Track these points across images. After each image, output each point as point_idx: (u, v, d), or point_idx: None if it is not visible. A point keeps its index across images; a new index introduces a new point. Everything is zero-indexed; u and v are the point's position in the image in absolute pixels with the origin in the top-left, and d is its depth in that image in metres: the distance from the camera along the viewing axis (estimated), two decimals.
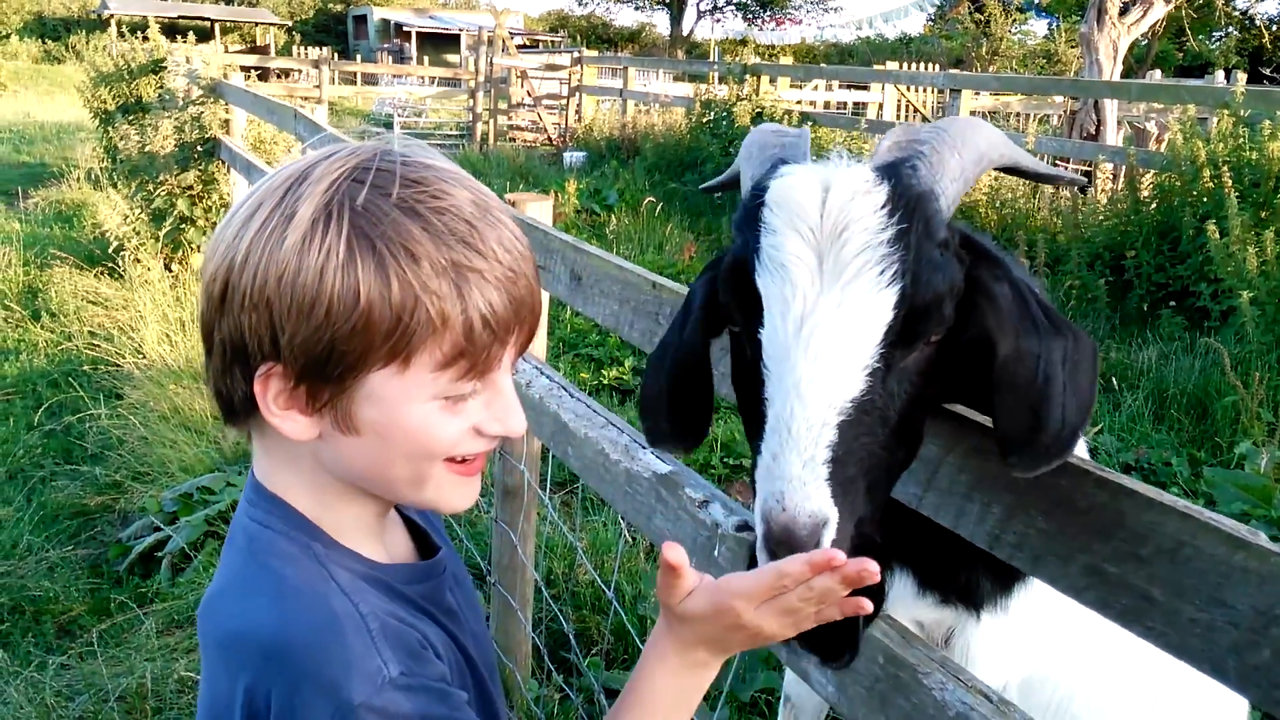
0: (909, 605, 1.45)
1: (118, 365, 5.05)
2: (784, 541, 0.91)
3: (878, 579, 0.87)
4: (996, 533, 1.08)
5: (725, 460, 4.29)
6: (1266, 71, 22.94)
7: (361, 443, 0.87)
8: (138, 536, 3.56)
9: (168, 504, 3.62)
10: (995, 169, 1.17)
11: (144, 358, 5.11)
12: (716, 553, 1.55)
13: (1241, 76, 18.07)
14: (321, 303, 0.79)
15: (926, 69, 20.58)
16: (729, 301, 1.08)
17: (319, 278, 0.79)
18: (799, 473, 0.94)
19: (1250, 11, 23.75)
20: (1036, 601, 1.38)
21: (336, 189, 0.82)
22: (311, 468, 0.91)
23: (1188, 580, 0.88)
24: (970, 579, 1.38)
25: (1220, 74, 19.23)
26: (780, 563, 0.89)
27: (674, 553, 0.92)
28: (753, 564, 0.97)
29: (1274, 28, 25.56)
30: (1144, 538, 0.92)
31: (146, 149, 6.83)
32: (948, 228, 1.04)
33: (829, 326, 0.97)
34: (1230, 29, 26.31)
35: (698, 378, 1.21)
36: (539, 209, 2.44)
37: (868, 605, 0.90)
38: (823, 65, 24.01)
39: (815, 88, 17.12)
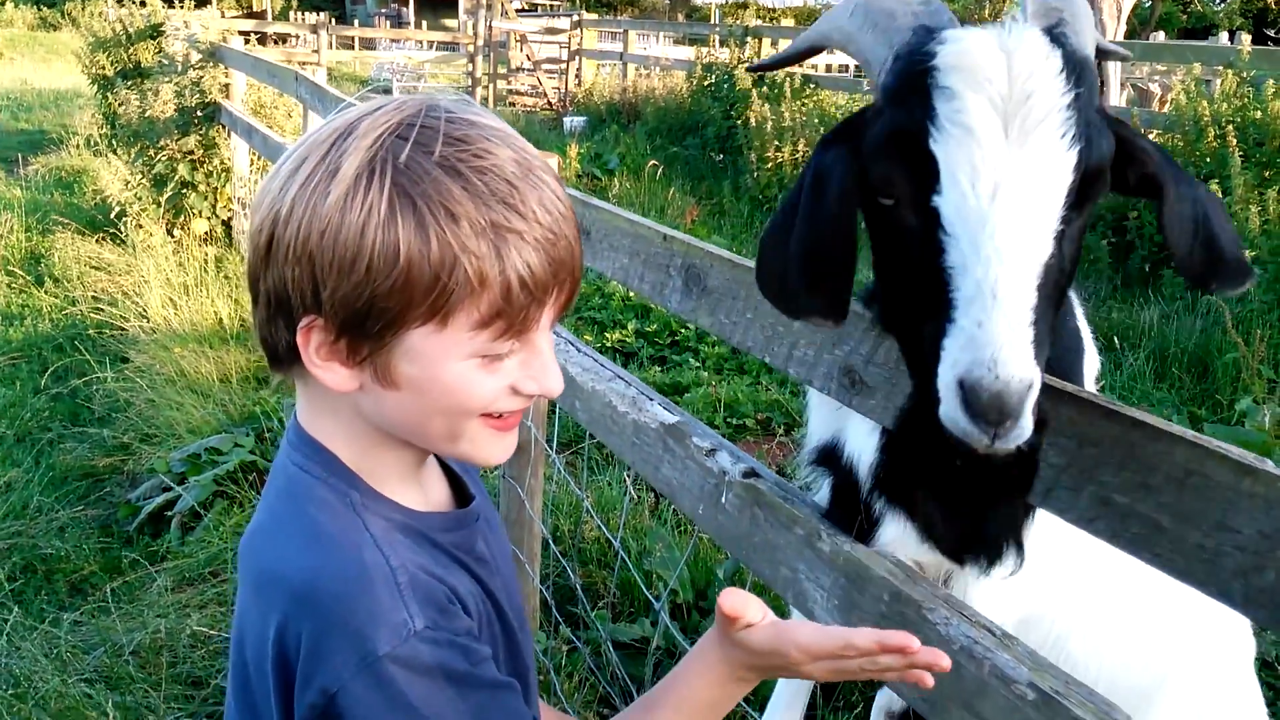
0: (914, 549, 1.47)
1: (122, 329, 5.06)
2: (995, 407, 0.92)
3: (948, 669, 0.88)
4: None
5: (729, 420, 4.32)
6: (1271, 33, 22.77)
7: (400, 397, 0.88)
8: (147, 497, 3.59)
9: (176, 465, 3.65)
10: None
11: (148, 322, 5.13)
12: (724, 500, 1.58)
13: (1246, 38, 17.95)
14: (362, 259, 0.80)
15: None
16: (888, 173, 1.06)
17: (360, 234, 0.80)
18: (1010, 337, 0.93)
19: None
20: (1034, 545, 1.40)
21: (380, 145, 0.82)
22: (351, 417, 0.92)
23: (1195, 506, 0.90)
24: (974, 533, 1.40)
25: (1224, 35, 19.12)
26: (851, 634, 0.90)
27: (731, 601, 0.93)
28: (936, 440, 0.99)
29: None
30: (1153, 467, 0.94)
31: (147, 114, 6.80)
32: None
33: (1025, 189, 0.97)
34: None
35: (842, 250, 1.14)
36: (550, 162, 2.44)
37: (929, 680, 0.89)
38: None
39: None
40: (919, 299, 1.03)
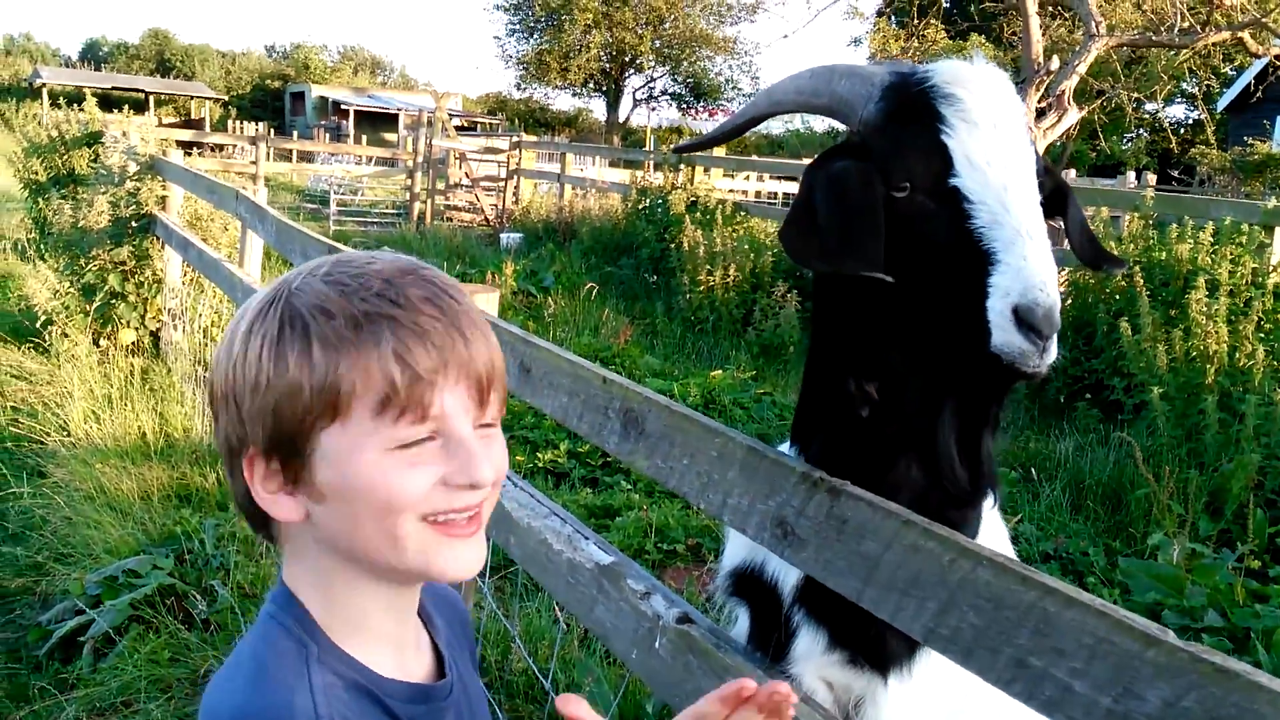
0: (817, 663, 1.52)
1: (41, 442, 4.94)
2: (1049, 321, 1.18)
3: (787, 694, 0.95)
4: (931, 626, 1.14)
5: (660, 545, 4.33)
6: (1175, 173, 24.08)
7: (330, 509, 0.90)
8: (59, 620, 3.47)
9: (91, 587, 3.54)
10: None
11: (69, 435, 5.01)
12: (657, 644, 1.60)
13: (1151, 176, 18.89)
14: (262, 375, 0.87)
15: None
16: (906, 165, 1.30)
17: (259, 355, 0.88)
18: (1050, 267, 1.21)
19: (1158, 115, 25.01)
20: (941, 668, 1.45)
21: (282, 281, 0.92)
22: (315, 556, 0.95)
23: (1105, 674, 0.95)
24: (878, 638, 1.46)
25: (1132, 174, 20.20)
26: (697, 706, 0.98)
27: (570, 706, 0.94)
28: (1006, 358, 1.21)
29: (1180, 130, 26.95)
30: (1065, 633, 0.99)
31: (80, 224, 6.76)
32: None
33: (1021, 164, 1.27)
34: (1141, 130, 27.66)
35: (873, 219, 1.32)
36: (486, 300, 2.50)
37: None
38: (754, 157, 24.64)
39: (747, 178, 17.57)
40: (940, 269, 1.27)
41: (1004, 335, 1.18)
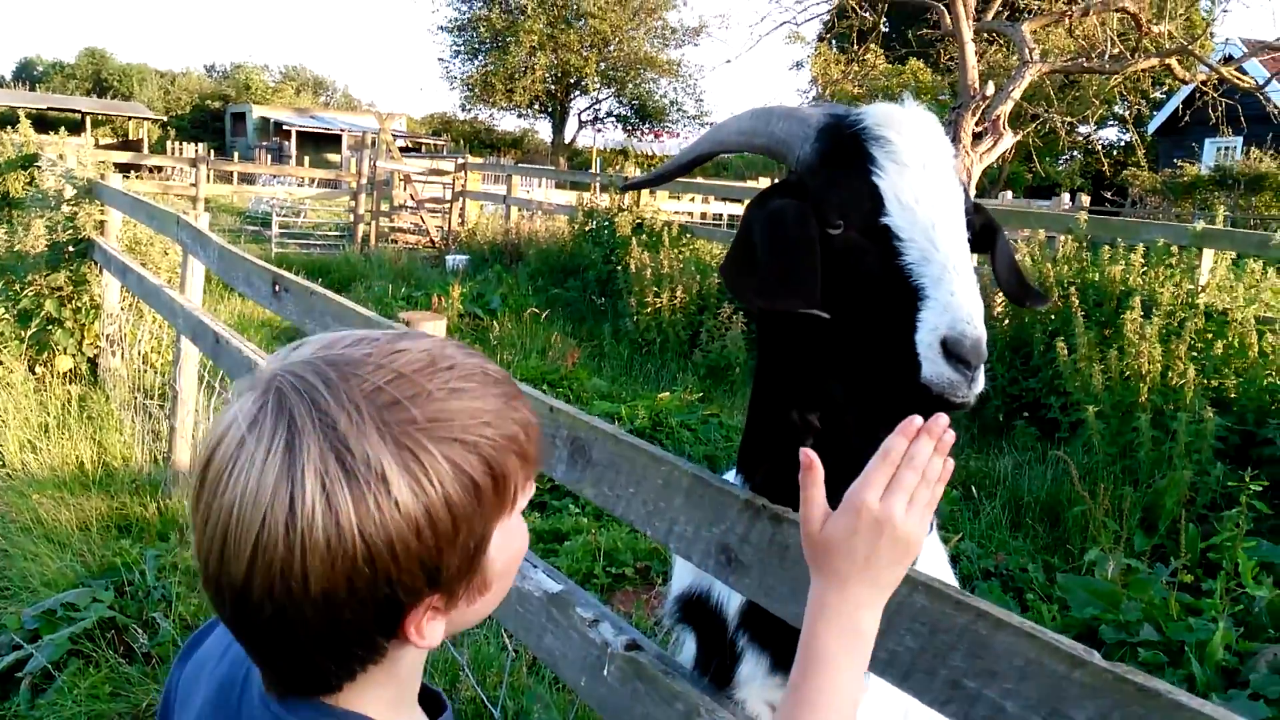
0: (761, 685, 1.56)
1: None
2: (977, 352, 1.23)
3: (953, 436, 1.06)
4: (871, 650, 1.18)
5: (608, 569, 4.34)
6: (1108, 194, 24.69)
7: (490, 595, 0.88)
8: None
9: (29, 621, 3.46)
10: None
11: (4, 465, 4.90)
12: (606, 672, 1.62)
13: (1085, 198, 19.27)
14: (460, 519, 0.80)
15: None
16: (840, 203, 1.35)
17: (446, 504, 0.79)
18: (975, 300, 1.26)
19: (1091, 138, 25.64)
20: (883, 691, 1.49)
21: (388, 425, 0.78)
22: (407, 661, 0.89)
23: (1034, 694, 0.99)
24: None
25: (1066, 195, 20.69)
26: (882, 446, 1.04)
27: (806, 455, 1.07)
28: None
29: (1113, 153, 27.65)
30: (998, 655, 1.03)
31: (15, 248, 6.64)
32: None
33: (948, 203, 1.32)
34: (1075, 153, 28.34)
35: (809, 256, 1.38)
36: (433, 327, 2.51)
37: (951, 464, 1.06)
38: (700, 179, 24.86)
39: (693, 199, 17.71)
40: (873, 304, 1.32)
41: (933, 367, 1.23)
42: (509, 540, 0.88)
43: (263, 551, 0.75)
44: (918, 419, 1.05)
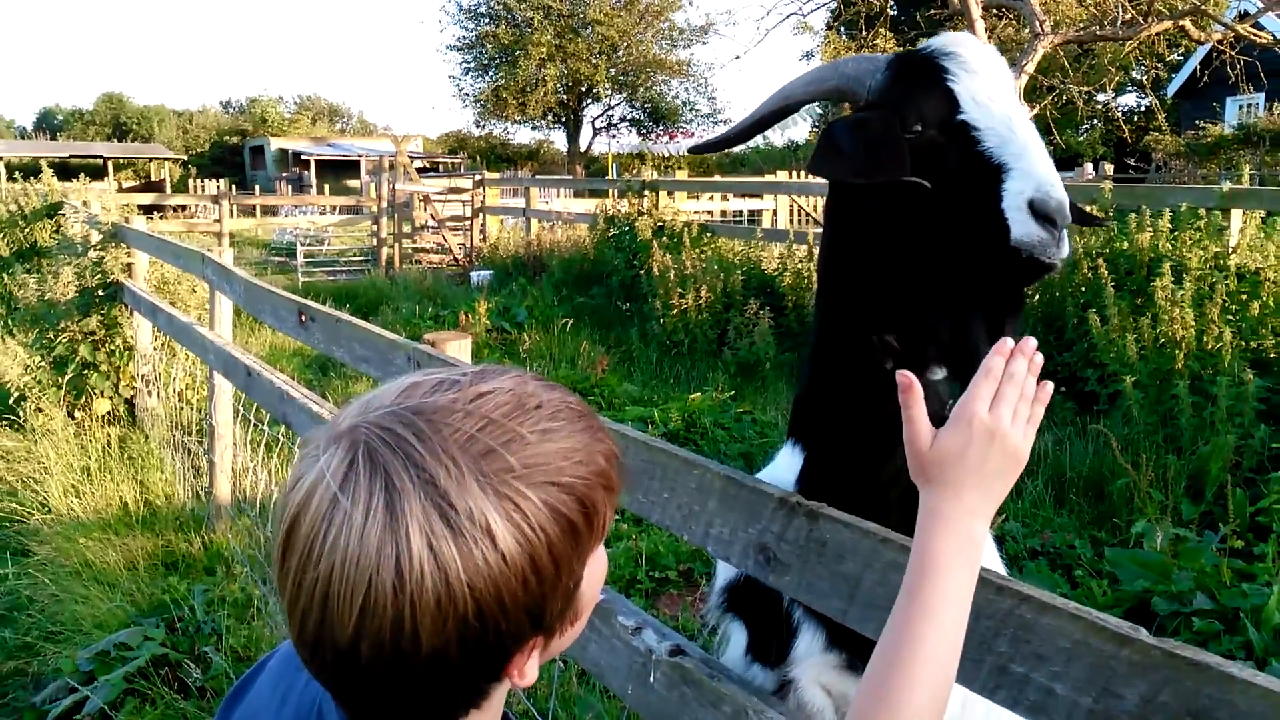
0: (817, 663, 1.55)
1: (23, 521, 4.90)
2: (1062, 212, 1.30)
3: (1042, 359, 1.10)
4: None
5: (651, 574, 4.34)
6: (1131, 161, 24.39)
7: (580, 623, 0.89)
8: (53, 700, 3.43)
9: (83, 663, 3.51)
10: None
11: (50, 511, 4.97)
12: (652, 679, 1.61)
13: (1109, 166, 19.08)
14: (563, 562, 0.80)
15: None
16: (919, 107, 1.43)
17: (548, 550, 0.79)
18: (1055, 173, 1.34)
19: (1110, 105, 25.37)
20: None
21: (486, 476, 0.77)
22: (498, 705, 0.89)
23: (1083, 674, 0.98)
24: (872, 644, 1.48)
25: (1089, 165, 20.48)
26: (982, 365, 1.08)
27: (905, 376, 1.09)
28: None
29: (1134, 119, 27.33)
30: (1044, 638, 1.02)
31: (46, 297, 6.73)
32: None
33: (1015, 100, 1.42)
34: (1095, 122, 28.03)
35: (898, 140, 1.46)
36: (458, 347, 2.52)
37: (1049, 386, 1.10)
38: (717, 178, 24.80)
39: (711, 198, 17.69)
40: (958, 189, 1.38)
41: (1022, 228, 1.30)
42: (596, 568, 0.88)
43: (370, 614, 0.74)
44: (1009, 341, 1.09)
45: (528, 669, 0.83)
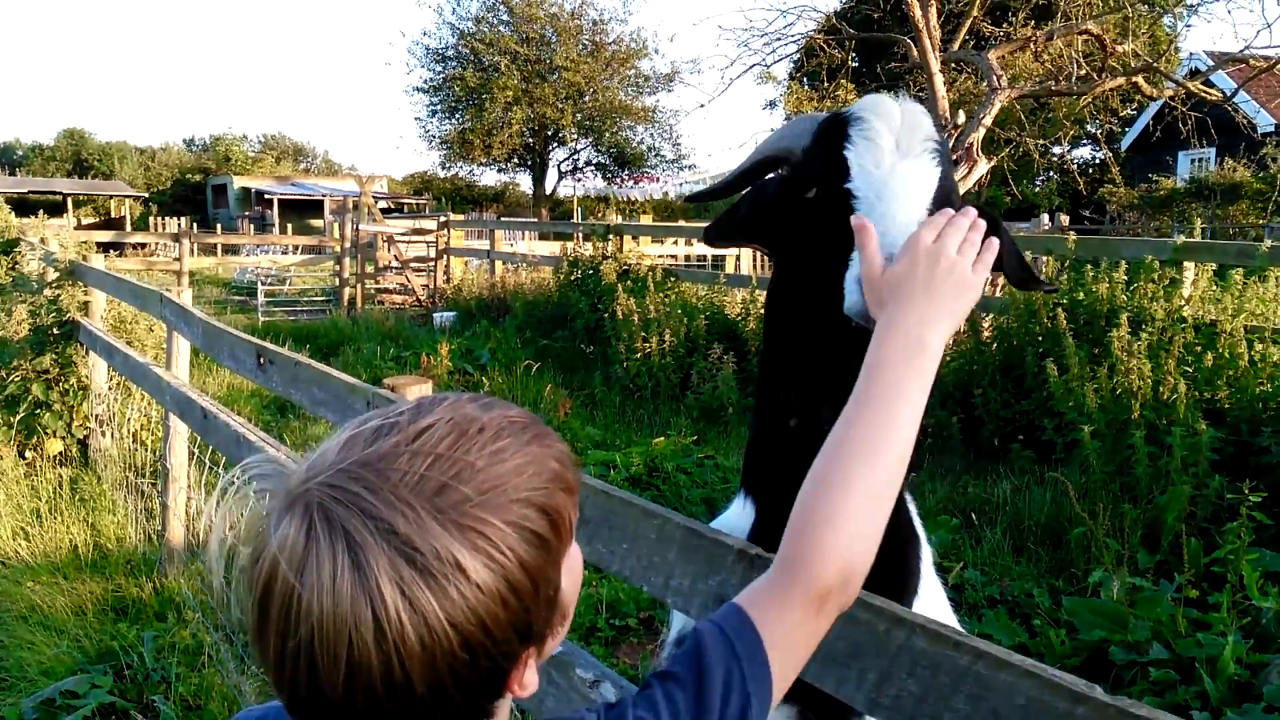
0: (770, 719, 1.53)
1: None
2: None
3: (983, 225, 1.22)
4: (874, 696, 1.16)
5: (612, 621, 4.30)
6: (1086, 212, 24.87)
7: (567, 621, 0.91)
8: None
9: (28, 712, 3.41)
10: None
11: None
12: None
13: (1064, 217, 19.38)
14: (539, 576, 0.81)
15: None
16: (811, 174, 1.51)
17: (522, 568, 0.79)
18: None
19: (1065, 158, 25.90)
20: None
21: (443, 512, 0.77)
22: (505, 717, 0.90)
23: None
24: (822, 694, 1.46)
25: (1045, 216, 20.84)
26: (925, 221, 1.21)
27: (858, 219, 1.24)
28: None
29: (1089, 171, 27.91)
30: (1000, 695, 1.02)
31: None
32: None
33: (910, 172, 1.41)
34: (1050, 173, 28.59)
35: (761, 210, 1.64)
36: (418, 391, 2.50)
37: (995, 241, 1.21)
38: (681, 223, 24.98)
39: (676, 243, 17.80)
40: (831, 254, 1.40)
41: (852, 299, 1.32)
42: (572, 566, 0.90)
43: (358, 669, 0.74)
44: (949, 210, 1.24)
45: (527, 679, 0.84)
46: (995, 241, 1.21)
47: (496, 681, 0.82)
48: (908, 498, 1.60)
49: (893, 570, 1.46)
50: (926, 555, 1.67)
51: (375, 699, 0.75)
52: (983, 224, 1.21)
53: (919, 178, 1.42)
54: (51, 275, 6.82)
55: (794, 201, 1.54)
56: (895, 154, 1.43)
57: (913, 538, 1.59)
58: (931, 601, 1.59)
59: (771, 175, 1.68)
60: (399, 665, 0.74)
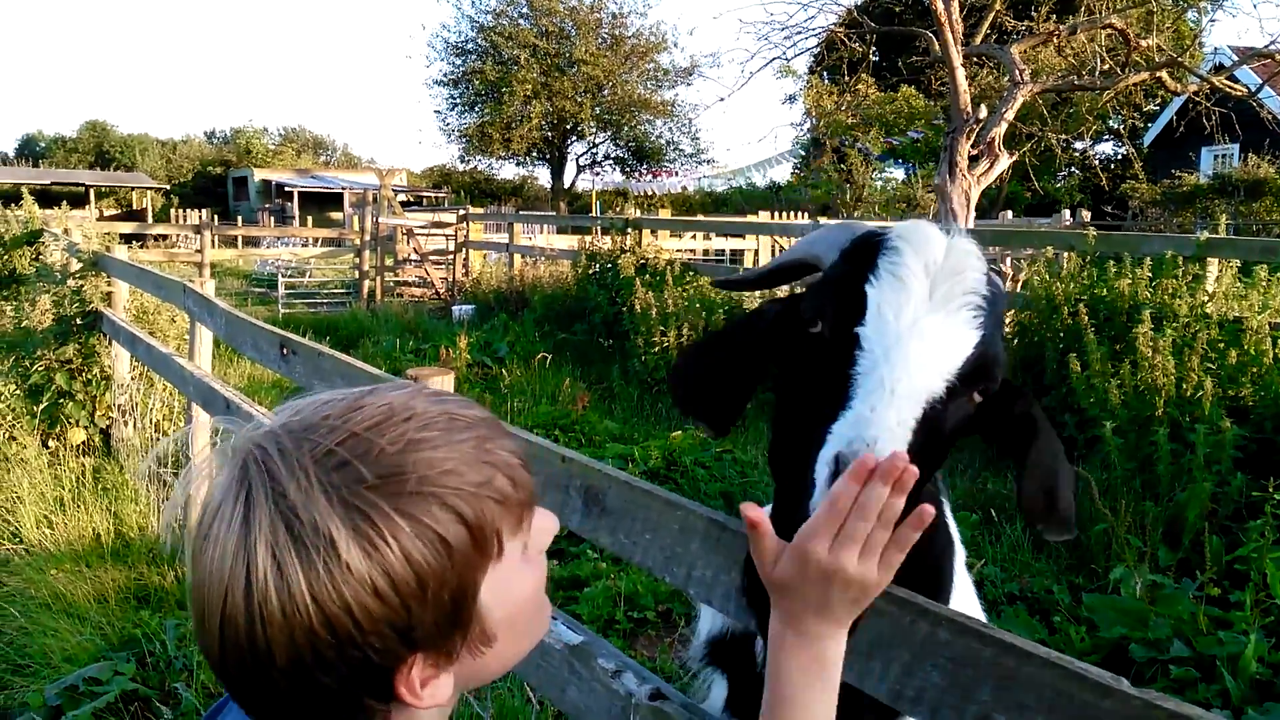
0: None
1: None
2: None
3: (915, 472, 0.99)
4: (898, 688, 1.16)
5: (630, 614, 4.31)
6: (1108, 208, 24.71)
7: (500, 645, 0.86)
8: None
9: (51, 698, 3.44)
10: None
11: (21, 542, 4.90)
12: None
13: (1086, 213, 19.26)
14: (425, 575, 0.78)
15: (795, 216, 21.58)
16: (824, 305, 1.25)
17: (407, 562, 0.77)
18: (895, 427, 1.08)
19: (1087, 153, 25.71)
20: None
21: (335, 488, 0.77)
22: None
23: None
24: (853, 694, 1.46)
25: (1066, 212, 20.73)
26: (829, 492, 1.01)
27: (751, 510, 1.04)
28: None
29: (1111, 166, 27.71)
30: (1025, 688, 1.02)
31: (23, 324, 6.69)
32: None
33: (935, 334, 1.16)
34: (1072, 169, 28.42)
35: (747, 371, 1.39)
36: (441, 383, 2.51)
37: (929, 510, 1.00)
38: (700, 217, 24.96)
39: (694, 237, 17.79)
40: (819, 408, 1.16)
41: (819, 494, 1.07)
42: (507, 588, 0.85)
43: (229, 625, 0.76)
44: (871, 458, 0.99)
45: (423, 690, 0.80)
46: (925, 518, 0.99)
47: (374, 678, 0.78)
48: (944, 502, 1.59)
49: (930, 573, 1.42)
50: (960, 556, 1.66)
51: (242, 660, 0.76)
52: (897, 508, 0.99)
53: (947, 340, 1.17)
54: (75, 266, 6.87)
55: (797, 331, 1.30)
56: (926, 303, 1.18)
57: (949, 543, 1.57)
58: (965, 603, 1.58)
59: (769, 305, 1.42)
60: (261, 629, 0.75)
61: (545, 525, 0.92)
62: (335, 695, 0.78)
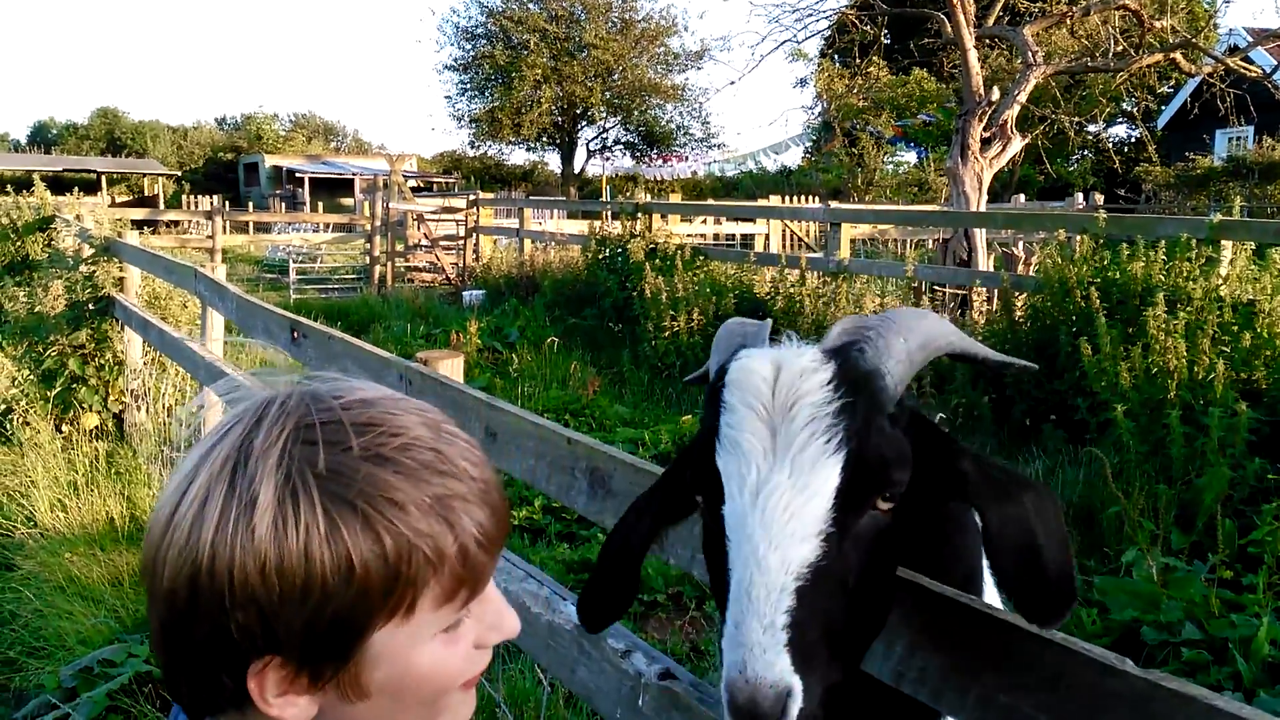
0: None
1: (8, 535, 4.87)
2: (750, 713, 0.95)
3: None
4: (900, 670, 1.16)
5: (641, 597, 4.32)
6: (1121, 191, 24.56)
7: (370, 705, 0.81)
8: (35, 716, 3.40)
9: (66, 680, 3.48)
10: (946, 356, 1.24)
11: (36, 526, 4.94)
12: (641, 702, 1.61)
13: (1099, 196, 19.17)
14: (314, 581, 0.75)
15: (806, 200, 21.52)
16: (695, 480, 1.14)
17: (304, 558, 0.75)
18: (759, 639, 0.97)
19: (1101, 136, 25.54)
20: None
21: (290, 458, 0.77)
22: None
23: (1069, 706, 0.97)
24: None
25: (1080, 195, 20.62)
26: None
27: None
28: None
29: (1124, 149, 27.52)
30: (1028, 668, 1.02)
31: (36, 309, 6.72)
32: (898, 405, 1.11)
33: (781, 495, 1.02)
34: (1085, 152, 28.24)
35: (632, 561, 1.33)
36: (450, 366, 2.52)
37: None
38: (710, 201, 24.89)
39: (704, 221, 17.75)
40: (718, 594, 1.09)
41: (724, 701, 0.99)
42: (404, 654, 0.80)
43: (149, 535, 0.80)
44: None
45: (274, 698, 0.78)
46: None
47: (231, 657, 0.77)
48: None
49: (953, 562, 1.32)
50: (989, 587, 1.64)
51: (148, 574, 0.80)
52: None
53: (800, 492, 1.03)
54: (87, 252, 6.89)
55: (689, 500, 1.21)
56: (769, 459, 1.05)
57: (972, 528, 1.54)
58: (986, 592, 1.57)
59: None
60: (165, 548, 0.78)
61: (499, 624, 0.87)
62: (196, 654, 0.78)
